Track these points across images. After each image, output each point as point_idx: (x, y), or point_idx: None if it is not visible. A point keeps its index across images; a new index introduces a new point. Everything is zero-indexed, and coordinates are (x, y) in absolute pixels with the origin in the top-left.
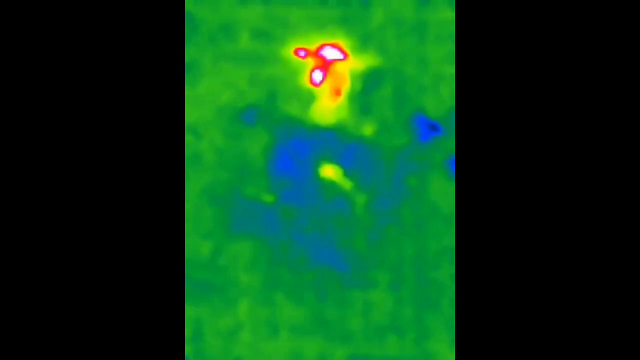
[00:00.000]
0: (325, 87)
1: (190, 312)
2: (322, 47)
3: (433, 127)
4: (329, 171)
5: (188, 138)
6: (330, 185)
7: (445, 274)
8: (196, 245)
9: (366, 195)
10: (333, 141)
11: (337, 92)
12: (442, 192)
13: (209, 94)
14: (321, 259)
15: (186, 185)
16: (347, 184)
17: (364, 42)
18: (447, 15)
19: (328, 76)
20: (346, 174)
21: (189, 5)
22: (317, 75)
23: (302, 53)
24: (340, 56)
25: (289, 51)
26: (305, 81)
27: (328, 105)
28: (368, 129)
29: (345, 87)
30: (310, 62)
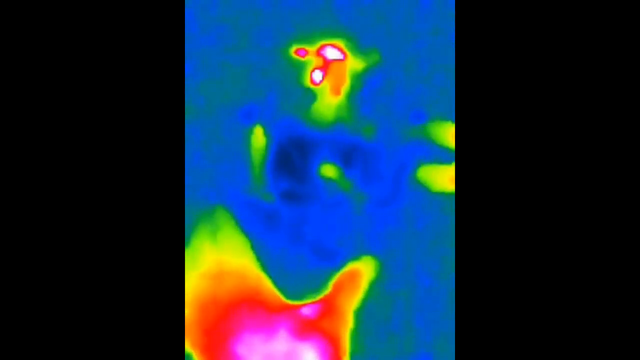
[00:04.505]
0: (326, 87)
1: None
2: (322, 47)
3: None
4: (329, 171)
5: (188, 137)
6: (330, 185)
7: (445, 272)
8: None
9: (366, 195)
10: (333, 141)
11: (337, 92)
12: (442, 191)
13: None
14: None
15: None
16: (347, 184)
17: (364, 42)
18: (447, 14)
19: (328, 76)
20: (346, 174)
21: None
22: (317, 75)
23: (302, 53)
24: (340, 56)
25: (289, 51)
26: (305, 81)
27: (328, 104)
28: (368, 129)
29: (345, 86)
30: (310, 61)
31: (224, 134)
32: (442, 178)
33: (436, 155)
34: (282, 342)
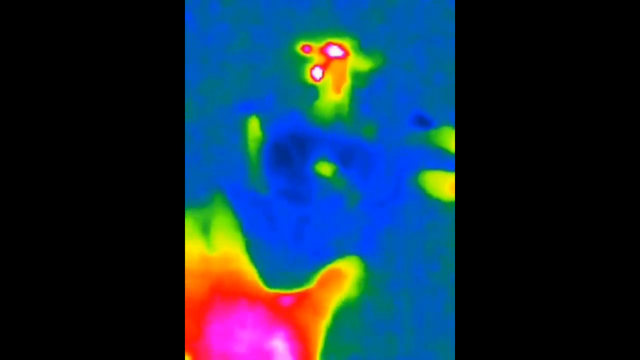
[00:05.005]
0: (326, 85)
1: None
2: (327, 45)
3: (424, 121)
4: (325, 169)
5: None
6: (325, 182)
7: (445, 272)
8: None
9: (365, 194)
10: (331, 139)
11: (337, 90)
12: (442, 191)
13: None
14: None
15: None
16: (341, 182)
17: (365, 41)
18: (448, 13)
19: (329, 74)
20: (345, 173)
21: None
22: (318, 73)
23: (307, 49)
24: (342, 54)
25: (288, 48)
26: (305, 78)
27: (328, 102)
28: (368, 129)
29: (345, 85)
30: (312, 58)
31: (223, 133)
32: (442, 184)
33: (438, 160)
34: (253, 328)
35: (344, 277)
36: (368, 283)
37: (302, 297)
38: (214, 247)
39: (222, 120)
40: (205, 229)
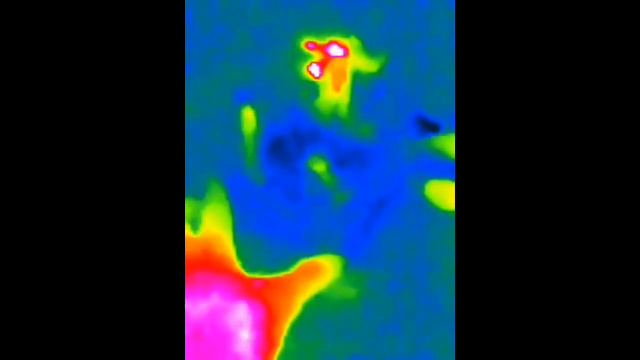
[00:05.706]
0: (325, 83)
1: None
2: (330, 43)
3: (432, 127)
4: (319, 166)
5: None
6: (319, 180)
7: (445, 274)
8: None
9: (364, 194)
10: (329, 138)
11: (337, 89)
12: (442, 192)
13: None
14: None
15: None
16: (335, 181)
17: (366, 41)
18: (447, 14)
19: (328, 72)
20: (344, 172)
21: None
22: (316, 71)
23: (311, 46)
24: (342, 53)
25: (291, 45)
26: (305, 75)
27: (328, 101)
28: (365, 129)
29: (345, 84)
30: (313, 56)
31: (222, 128)
32: (442, 189)
33: (437, 164)
34: (220, 298)
35: (319, 272)
36: (344, 281)
37: (274, 283)
38: (200, 230)
39: (222, 116)
40: (195, 220)
